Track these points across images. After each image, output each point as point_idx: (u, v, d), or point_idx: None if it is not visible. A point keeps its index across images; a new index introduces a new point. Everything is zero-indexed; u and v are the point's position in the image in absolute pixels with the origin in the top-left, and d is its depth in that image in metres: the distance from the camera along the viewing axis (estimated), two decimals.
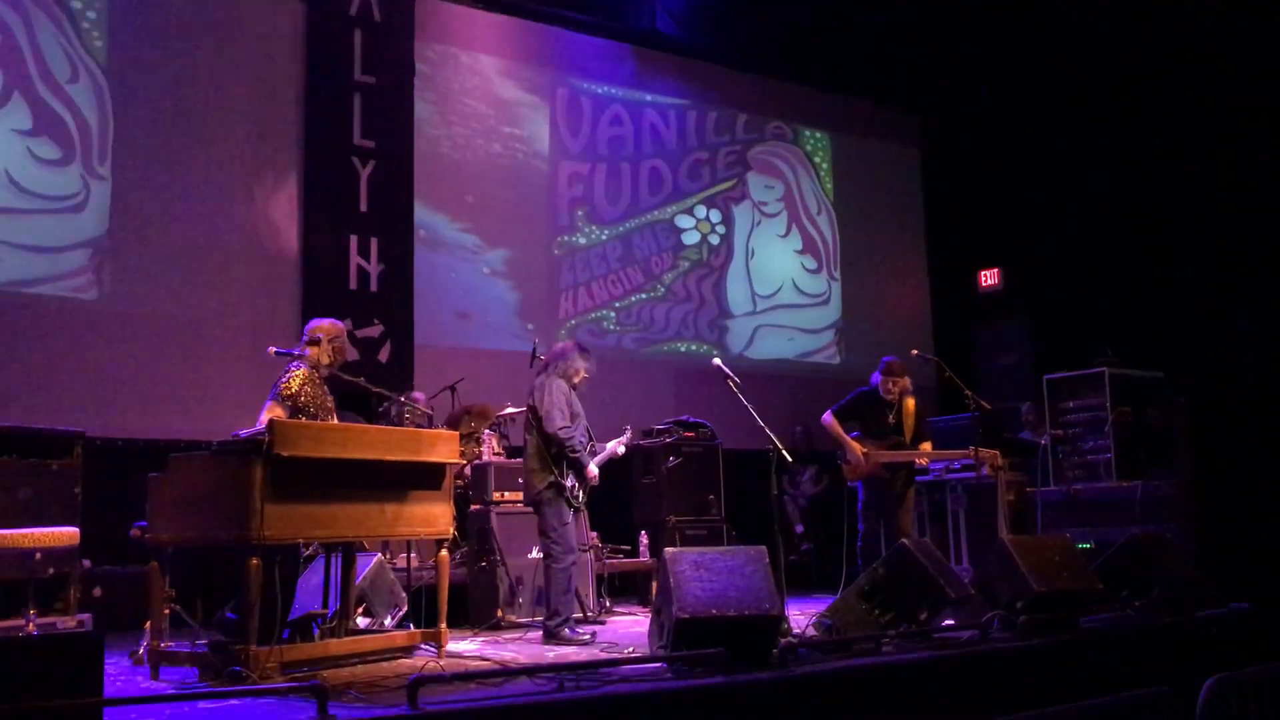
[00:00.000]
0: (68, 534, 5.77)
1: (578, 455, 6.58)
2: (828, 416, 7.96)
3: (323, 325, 5.94)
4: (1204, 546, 7.50)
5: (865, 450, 7.77)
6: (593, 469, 6.74)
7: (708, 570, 5.10)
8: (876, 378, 7.95)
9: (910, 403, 7.97)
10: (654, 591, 6.81)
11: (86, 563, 6.82)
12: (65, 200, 8.61)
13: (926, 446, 7.92)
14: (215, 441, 5.14)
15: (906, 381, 7.95)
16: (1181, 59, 11.12)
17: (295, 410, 5.61)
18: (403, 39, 10.18)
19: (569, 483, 6.58)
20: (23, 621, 5.49)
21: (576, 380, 6.79)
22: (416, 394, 8.43)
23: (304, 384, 5.71)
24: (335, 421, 5.94)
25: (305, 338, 5.88)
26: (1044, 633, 5.89)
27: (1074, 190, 12.31)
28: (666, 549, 5.41)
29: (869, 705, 5.00)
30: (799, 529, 10.96)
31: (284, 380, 5.68)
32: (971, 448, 7.79)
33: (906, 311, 13.55)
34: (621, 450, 7.60)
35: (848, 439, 7.83)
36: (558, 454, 6.55)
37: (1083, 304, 11.99)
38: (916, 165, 14.03)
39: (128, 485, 5.80)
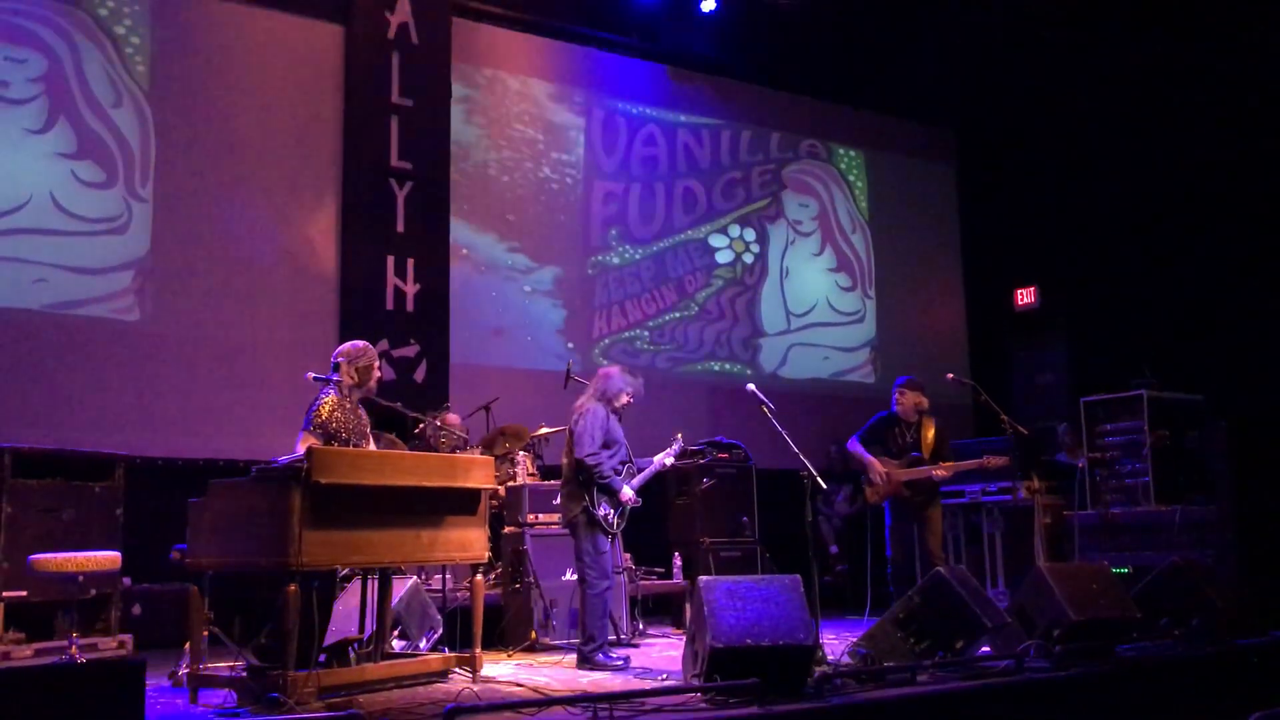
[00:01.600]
0: (109, 558, 5.86)
1: (607, 481, 6.58)
2: (852, 443, 8.06)
3: (344, 349, 6.01)
4: (1244, 573, 7.41)
5: (886, 470, 7.81)
6: (627, 492, 6.73)
7: (742, 599, 5.10)
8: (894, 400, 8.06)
9: (930, 423, 8.00)
10: (687, 614, 6.81)
11: (126, 580, 6.91)
12: (108, 222, 8.75)
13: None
14: (254, 463, 5.23)
15: (922, 399, 8.00)
16: (1226, 75, 11.01)
17: (327, 437, 5.67)
18: (440, 62, 10.27)
19: (601, 510, 6.58)
20: (66, 644, 5.58)
21: (619, 404, 6.80)
22: (451, 415, 8.45)
23: (333, 410, 5.77)
24: (370, 445, 6.00)
25: (332, 364, 5.96)
26: (1081, 662, 5.83)
27: (1112, 207, 12.18)
28: (701, 577, 5.42)
29: None
30: (834, 549, 10.91)
31: (314, 408, 5.76)
32: (984, 456, 7.81)
33: (942, 330, 13.48)
34: (670, 461, 7.47)
35: (869, 459, 7.88)
36: (587, 480, 6.58)
37: (1121, 323, 11.85)
38: (952, 182, 13.96)
39: (167, 503, 5.89)
